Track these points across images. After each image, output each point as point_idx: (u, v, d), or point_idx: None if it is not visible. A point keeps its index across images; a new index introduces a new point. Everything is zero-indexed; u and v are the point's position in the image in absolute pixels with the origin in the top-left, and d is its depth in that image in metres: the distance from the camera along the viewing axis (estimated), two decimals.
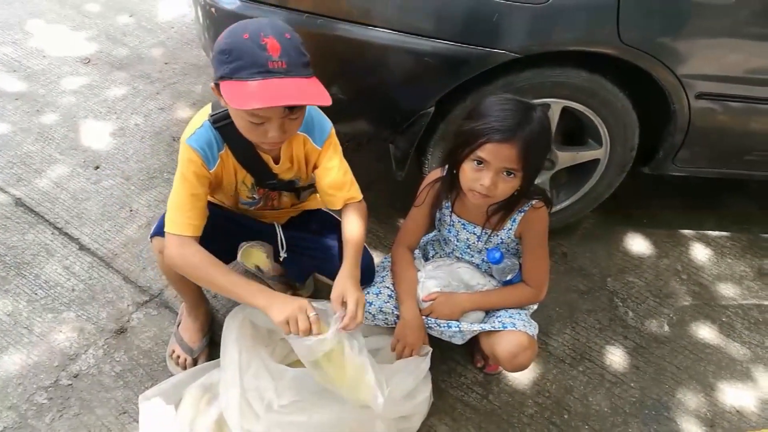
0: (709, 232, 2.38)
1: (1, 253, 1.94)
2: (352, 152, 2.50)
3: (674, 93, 1.74)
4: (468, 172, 1.38)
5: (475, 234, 1.58)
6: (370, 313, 1.56)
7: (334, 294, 1.37)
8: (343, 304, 1.35)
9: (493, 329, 1.52)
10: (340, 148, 1.50)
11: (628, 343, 1.93)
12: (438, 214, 1.63)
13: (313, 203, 1.72)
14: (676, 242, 2.32)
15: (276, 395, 1.41)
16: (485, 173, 1.34)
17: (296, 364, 1.49)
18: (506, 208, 1.48)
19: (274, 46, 1.15)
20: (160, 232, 1.41)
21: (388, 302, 1.58)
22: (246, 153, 1.40)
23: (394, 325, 1.57)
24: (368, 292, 1.58)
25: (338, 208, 1.52)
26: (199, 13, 1.87)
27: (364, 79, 1.73)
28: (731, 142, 1.98)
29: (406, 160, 1.87)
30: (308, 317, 1.28)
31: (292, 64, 1.17)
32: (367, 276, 1.57)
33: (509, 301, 1.57)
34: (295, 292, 1.90)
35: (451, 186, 1.52)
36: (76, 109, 2.56)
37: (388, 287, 1.61)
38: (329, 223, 1.67)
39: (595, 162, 1.98)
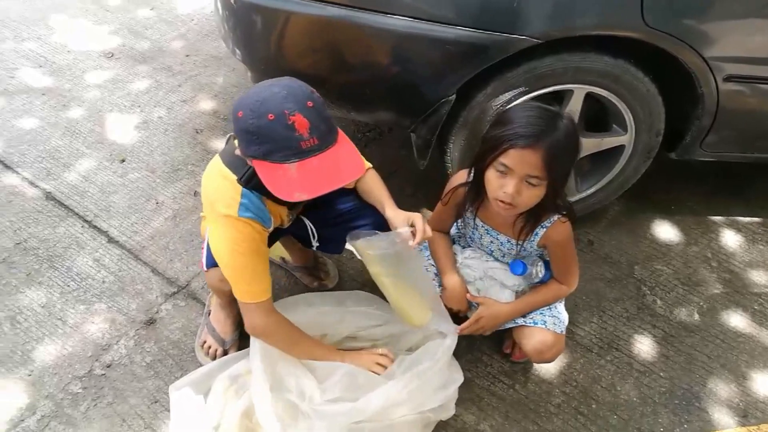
0: (739, 218, 2.32)
1: (34, 246, 1.99)
2: (373, 141, 2.50)
3: (702, 76, 1.69)
4: (492, 180, 1.35)
5: (498, 241, 1.57)
6: None
7: (398, 222, 1.41)
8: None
9: (523, 324, 1.56)
10: None
11: (657, 331, 1.91)
12: (462, 215, 1.62)
13: None
14: (705, 229, 2.27)
15: (320, 391, 1.44)
16: (509, 180, 1.31)
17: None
18: (532, 220, 1.46)
19: (302, 124, 1.15)
20: (214, 262, 1.44)
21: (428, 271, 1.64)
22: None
23: None
24: None
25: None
26: (219, 5, 1.87)
27: (385, 68, 1.71)
28: (761, 126, 1.92)
29: (428, 149, 1.86)
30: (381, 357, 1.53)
31: (322, 138, 1.18)
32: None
33: (548, 300, 1.60)
34: (320, 282, 1.92)
35: (476, 193, 1.49)
36: (101, 103, 2.60)
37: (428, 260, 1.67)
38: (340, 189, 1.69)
39: (620, 148, 1.94)
